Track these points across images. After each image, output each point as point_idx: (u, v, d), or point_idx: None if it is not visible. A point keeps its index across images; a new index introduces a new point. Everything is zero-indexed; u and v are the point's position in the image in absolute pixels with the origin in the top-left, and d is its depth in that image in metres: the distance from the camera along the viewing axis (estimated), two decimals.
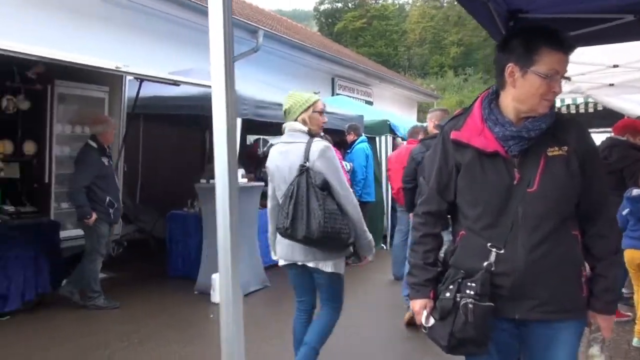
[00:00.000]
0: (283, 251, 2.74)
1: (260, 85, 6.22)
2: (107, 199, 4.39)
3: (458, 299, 1.53)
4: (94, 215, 4.28)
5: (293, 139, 2.69)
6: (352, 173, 6.03)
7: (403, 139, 7.73)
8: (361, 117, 6.60)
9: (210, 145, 7.85)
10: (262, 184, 5.43)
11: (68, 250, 4.81)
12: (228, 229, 1.30)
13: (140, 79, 4.54)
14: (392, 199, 7.19)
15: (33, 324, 4.08)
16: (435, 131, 4.07)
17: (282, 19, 13.64)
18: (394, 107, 12.58)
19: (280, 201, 2.69)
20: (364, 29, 47.29)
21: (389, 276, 5.71)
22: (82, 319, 4.24)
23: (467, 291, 1.51)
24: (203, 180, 5.01)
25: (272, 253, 2.93)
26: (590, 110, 7.45)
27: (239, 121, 4.56)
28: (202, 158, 7.92)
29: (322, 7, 51.70)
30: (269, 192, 2.86)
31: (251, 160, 7.18)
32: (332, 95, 11.47)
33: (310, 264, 2.67)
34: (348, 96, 11.64)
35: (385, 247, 7.09)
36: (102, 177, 4.37)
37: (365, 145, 6.33)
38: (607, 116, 7.13)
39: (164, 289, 5.15)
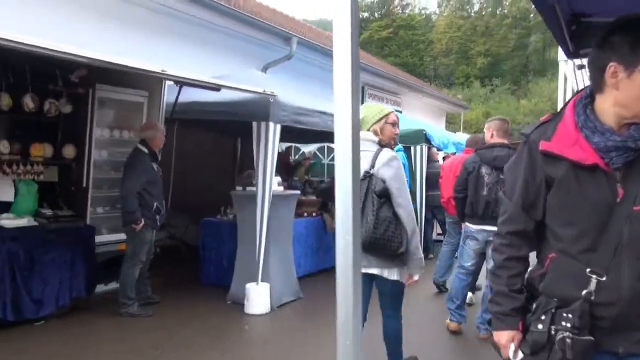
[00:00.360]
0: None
1: (295, 92, 6.15)
2: (155, 204, 4.37)
3: (553, 332, 1.36)
4: (143, 221, 4.24)
5: (363, 148, 2.64)
6: None
7: (438, 149, 7.56)
8: None
9: (242, 151, 7.86)
10: (298, 192, 5.34)
11: (102, 256, 4.77)
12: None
13: (181, 84, 4.49)
14: (427, 209, 7.02)
15: (67, 330, 4.03)
16: (493, 141, 3.91)
17: (311, 27, 13.63)
18: (423, 116, 12.36)
19: None
20: (389, 38, 47.24)
21: (426, 288, 5.53)
22: (115, 325, 4.18)
23: (563, 323, 1.35)
24: (239, 188, 4.93)
25: None
26: None
27: (278, 127, 4.49)
28: (233, 165, 7.89)
29: None
30: None
31: (284, 168, 7.11)
32: (362, 103, 11.35)
33: (375, 271, 2.71)
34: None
35: None
36: (151, 182, 4.35)
37: (402, 154, 6.17)
38: None
39: (197, 296, 5.07)
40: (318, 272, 6.06)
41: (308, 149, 8.99)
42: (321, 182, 7.60)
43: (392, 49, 46.18)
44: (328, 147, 8.53)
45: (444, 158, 7.92)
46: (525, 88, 39.62)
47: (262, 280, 4.48)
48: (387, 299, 2.88)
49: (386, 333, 2.97)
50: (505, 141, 3.90)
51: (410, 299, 3.42)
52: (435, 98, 14.86)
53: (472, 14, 49.84)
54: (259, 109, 4.43)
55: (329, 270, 6.20)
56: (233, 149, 8.01)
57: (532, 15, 44.98)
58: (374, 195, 2.61)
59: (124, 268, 4.34)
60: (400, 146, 6.25)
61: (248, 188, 4.83)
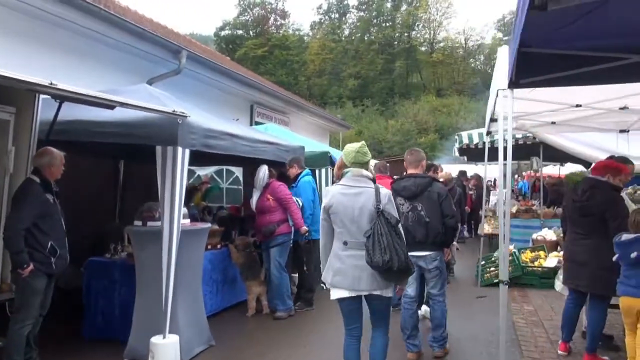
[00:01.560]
0: (347, 282, 3.05)
1: (197, 111, 5.58)
2: (49, 244, 3.51)
3: None
4: (31, 265, 3.37)
5: (360, 184, 3.12)
6: (302, 209, 5.58)
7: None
8: (302, 148, 6.17)
9: (126, 177, 6.92)
10: (209, 225, 4.75)
11: None
12: None
13: (61, 100, 3.68)
14: None
15: None
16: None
17: (193, 42, 12.95)
18: (309, 135, 12.32)
19: (347, 239, 3.09)
20: (265, 57, 47.53)
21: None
22: None
23: None
24: (138, 223, 4.20)
25: (326, 279, 3.18)
26: (529, 142, 7.89)
27: (187, 153, 3.91)
28: (114, 193, 6.90)
29: (222, 33, 51.04)
30: (326, 226, 3.20)
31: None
32: (251, 122, 10.97)
33: (376, 292, 3.07)
34: (266, 123, 11.22)
35: (324, 287, 6.64)
36: (45, 217, 3.51)
37: (311, 178, 5.92)
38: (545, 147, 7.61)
39: (84, 355, 4.18)
40: (224, 310, 5.50)
41: (204, 172, 8.28)
42: (221, 209, 6.99)
43: (268, 67, 46.53)
44: (227, 170, 7.93)
45: None
46: (392, 109, 42.61)
47: (170, 332, 3.82)
48: (380, 316, 3.23)
49: (378, 350, 3.23)
50: (417, 172, 4.21)
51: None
52: (320, 118, 15.04)
53: (343, 38, 52.50)
54: (164, 132, 3.81)
55: (237, 307, 5.68)
56: (113, 174, 7.01)
57: (395, 42, 48.90)
58: (391, 226, 2.98)
59: (11, 325, 3.43)
60: (308, 170, 6.00)
61: (150, 223, 4.14)
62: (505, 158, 3.55)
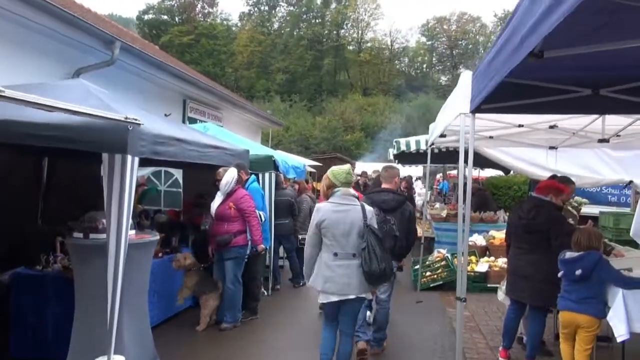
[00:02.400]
0: (336, 287, 3.50)
1: (135, 109, 5.21)
2: None
3: None
4: None
5: (348, 202, 3.61)
6: (263, 224, 5.49)
7: (286, 177, 7.36)
8: (247, 152, 5.83)
9: (50, 176, 6.33)
10: (157, 237, 4.46)
11: None
12: None
13: None
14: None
15: None
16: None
17: (124, 30, 12.20)
18: (241, 132, 12.02)
19: (337, 250, 3.52)
20: (191, 45, 45.85)
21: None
22: None
23: None
24: (78, 235, 3.86)
25: (316, 284, 3.59)
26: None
27: (136, 161, 3.64)
28: (36, 192, 6.29)
29: (146, 17, 48.50)
30: (315, 239, 3.61)
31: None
32: (184, 118, 10.53)
33: (362, 295, 3.59)
34: (200, 120, 10.84)
35: (266, 293, 6.58)
36: None
37: (258, 185, 5.80)
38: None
39: None
40: (165, 320, 5.24)
41: (141, 173, 7.74)
42: (159, 212, 6.63)
43: (194, 56, 44.99)
44: (166, 171, 7.48)
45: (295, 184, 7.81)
46: (320, 106, 42.98)
47: (115, 352, 3.56)
48: (355, 316, 3.76)
49: (345, 352, 3.68)
50: (390, 187, 4.47)
51: None
52: (253, 114, 14.79)
53: (272, 32, 52.01)
54: (112, 138, 3.46)
55: (176, 318, 5.44)
56: (36, 171, 6.39)
57: (324, 40, 49.34)
58: (378, 239, 3.51)
59: None
60: (253, 176, 5.87)
61: (93, 236, 3.81)
62: (466, 165, 3.66)
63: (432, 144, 6.32)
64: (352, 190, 3.67)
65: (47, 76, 6.32)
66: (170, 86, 9.73)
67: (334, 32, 51.08)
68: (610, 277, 3.54)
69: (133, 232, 4.03)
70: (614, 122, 4.17)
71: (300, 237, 7.02)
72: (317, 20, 51.91)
